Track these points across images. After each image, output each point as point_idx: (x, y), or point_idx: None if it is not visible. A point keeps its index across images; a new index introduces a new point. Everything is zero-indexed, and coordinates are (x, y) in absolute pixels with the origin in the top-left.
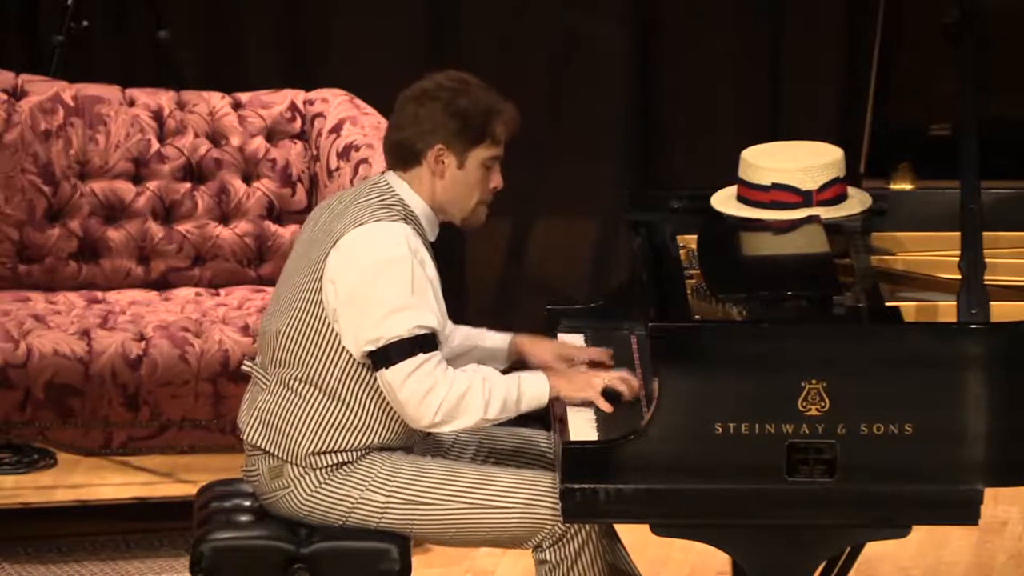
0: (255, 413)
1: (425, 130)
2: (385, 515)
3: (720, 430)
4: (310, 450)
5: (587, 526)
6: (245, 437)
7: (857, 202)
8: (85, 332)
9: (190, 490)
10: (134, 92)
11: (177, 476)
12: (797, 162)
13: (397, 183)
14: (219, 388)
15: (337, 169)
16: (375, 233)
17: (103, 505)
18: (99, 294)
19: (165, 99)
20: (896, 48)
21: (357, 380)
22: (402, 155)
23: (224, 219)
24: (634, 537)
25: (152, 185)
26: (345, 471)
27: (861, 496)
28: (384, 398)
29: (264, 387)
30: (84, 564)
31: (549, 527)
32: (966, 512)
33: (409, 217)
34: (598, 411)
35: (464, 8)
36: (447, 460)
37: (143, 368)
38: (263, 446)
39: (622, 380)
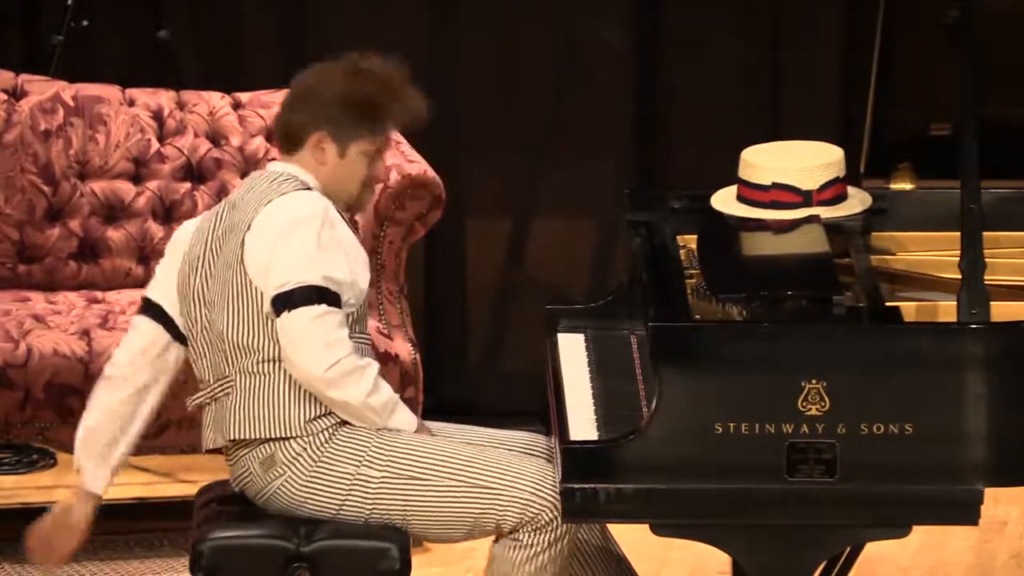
0: (229, 418)
1: (309, 116)
2: (380, 495)
3: (720, 430)
4: (305, 418)
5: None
6: (227, 442)
7: (857, 202)
8: (85, 332)
9: (190, 490)
10: (134, 92)
11: (177, 476)
12: (797, 162)
13: (284, 167)
14: None
15: None
16: (283, 203)
17: (103, 505)
18: (99, 294)
19: (165, 99)
20: (896, 48)
21: None
22: (286, 138)
23: None
24: (634, 537)
25: (152, 185)
26: (342, 439)
27: (861, 496)
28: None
29: (228, 391)
30: (84, 564)
31: (542, 514)
32: (966, 512)
33: (310, 188)
34: (597, 410)
35: (464, 8)
36: (443, 439)
37: None
38: (253, 436)
39: None
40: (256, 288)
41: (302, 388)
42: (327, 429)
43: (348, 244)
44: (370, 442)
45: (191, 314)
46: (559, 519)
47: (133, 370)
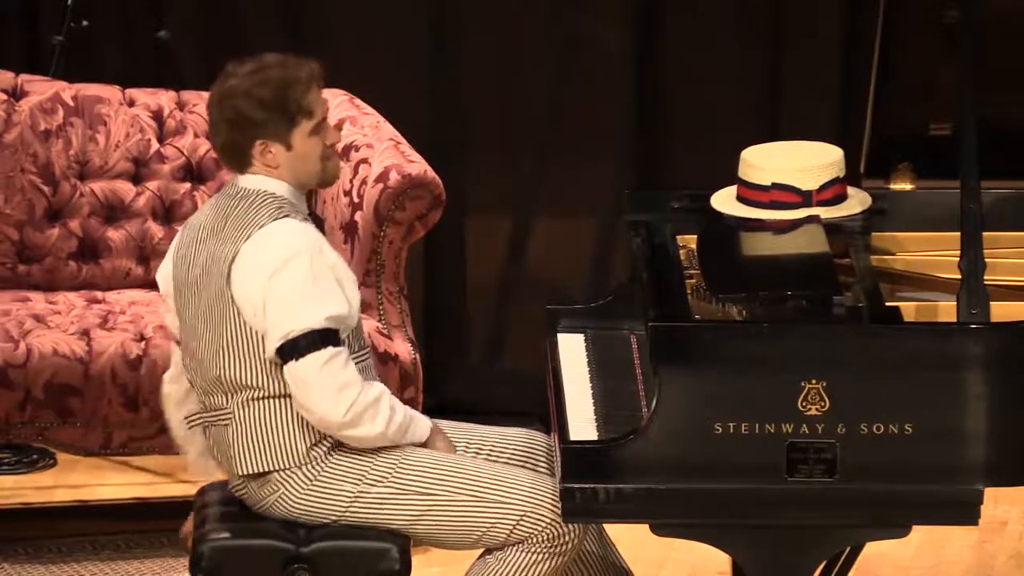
0: (233, 452)
1: (238, 131)
2: (383, 510)
3: (720, 430)
4: (307, 446)
5: (579, 531)
6: (232, 475)
7: (857, 202)
8: (85, 332)
9: (190, 490)
10: (134, 92)
11: (177, 476)
12: (797, 162)
13: (251, 181)
14: None
15: None
16: (266, 237)
17: (103, 505)
18: (99, 294)
19: (165, 99)
20: (896, 48)
21: None
22: (234, 161)
23: None
24: (634, 537)
25: (152, 185)
26: (340, 459)
27: (861, 496)
28: None
29: (226, 423)
30: (84, 564)
31: (546, 528)
32: (966, 512)
33: (284, 206)
34: (597, 410)
35: (464, 9)
36: (444, 454)
37: (143, 368)
38: (259, 470)
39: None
40: (251, 328)
41: (297, 418)
42: (325, 452)
43: (338, 267)
44: (371, 461)
45: (184, 335)
46: (570, 535)
47: (180, 386)
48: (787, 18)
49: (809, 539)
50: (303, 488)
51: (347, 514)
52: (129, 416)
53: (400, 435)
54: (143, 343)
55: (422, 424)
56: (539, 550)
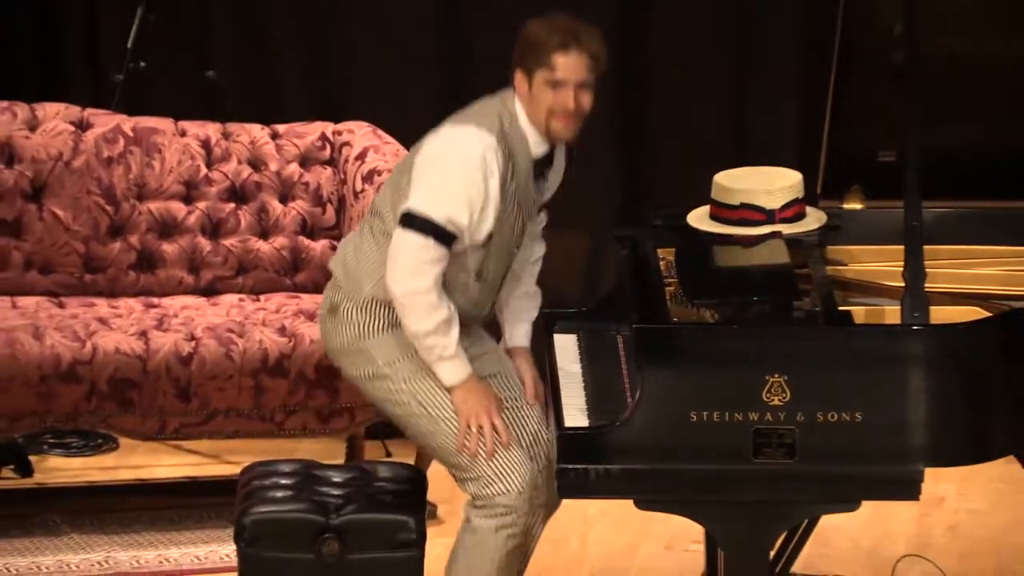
0: (340, 251)
1: (514, 56)
2: (389, 399)
3: (695, 418)
4: (369, 293)
5: (526, 511)
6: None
7: (814, 219)
8: (143, 333)
9: (234, 470)
10: (185, 124)
11: (223, 458)
12: (762, 185)
13: (503, 94)
14: (259, 382)
15: (362, 191)
16: (456, 132)
17: (159, 483)
18: (155, 300)
19: (212, 130)
20: (849, 86)
21: None
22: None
23: (264, 234)
24: (620, 511)
25: (201, 205)
26: (385, 336)
27: (817, 475)
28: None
29: (357, 233)
30: (142, 534)
31: (501, 497)
32: (909, 489)
33: (509, 133)
34: (589, 401)
35: (480, 62)
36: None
37: (193, 364)
38: (336, 275)
39: (493, 432)
40: (408, 182)
41: (383, 268)
42: (386, 319)
43: (492, 199)
44: (405, 357)
45: None
46: (516, 514)
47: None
48: (755, 60)
49: (772, 513)
50: (351, 340)
51: (367, 384)
52: (181, 406)
53: (431, 356)
54: (193, 342)
55: (458, 374)
56: (491, 524)
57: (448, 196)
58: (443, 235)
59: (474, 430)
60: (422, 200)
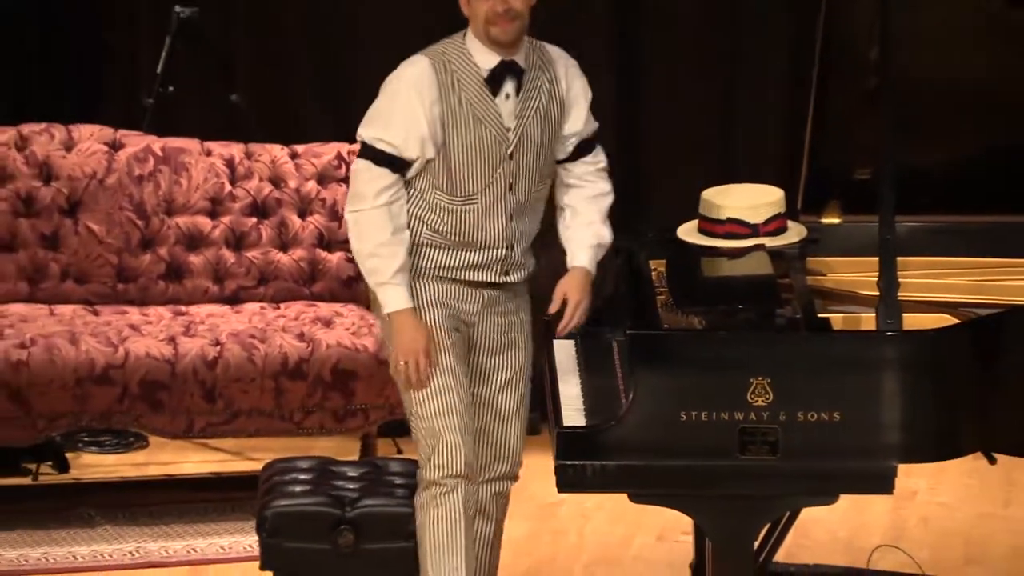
0: None
1: None
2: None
3: (684, 417)
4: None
5: (446, 498)
6: None
7: (795, 233)
8: (171, 339)
9: (256, 466)
10: (210, 144)
11: (246, 455)
12: (747, 201)
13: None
14: (280, 384)
15: None
16: (403, 64)
17: (186, 478)
18: (183, 308)
19: (236, 150)
20: (827, 110)
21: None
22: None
23: (284, 247)
24: (615, 504)
25: (225, 219)
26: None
27: (798, 471)
28: (446, 205)
29: None
30: (171, 526)
31: (423, 471)
32: (883, 484)
33: (447, 52)
34: (586, 401)
35: None
36: (453, 368)
37: (218, 368)
38: None
39: (407, 374)
40: None
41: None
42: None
43: (424, 113)
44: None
45: None
46: (436, 488)
47: None
48: (741, 85)
49: (756, 506)
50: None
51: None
52: (207, 406)
53: (370, 279)
54: (218, 347)
55: (390, 298)
56: (423, 500)
57: (380, 118)
58: (381, 157)
59: (401, 365)
60: (362, 126)
